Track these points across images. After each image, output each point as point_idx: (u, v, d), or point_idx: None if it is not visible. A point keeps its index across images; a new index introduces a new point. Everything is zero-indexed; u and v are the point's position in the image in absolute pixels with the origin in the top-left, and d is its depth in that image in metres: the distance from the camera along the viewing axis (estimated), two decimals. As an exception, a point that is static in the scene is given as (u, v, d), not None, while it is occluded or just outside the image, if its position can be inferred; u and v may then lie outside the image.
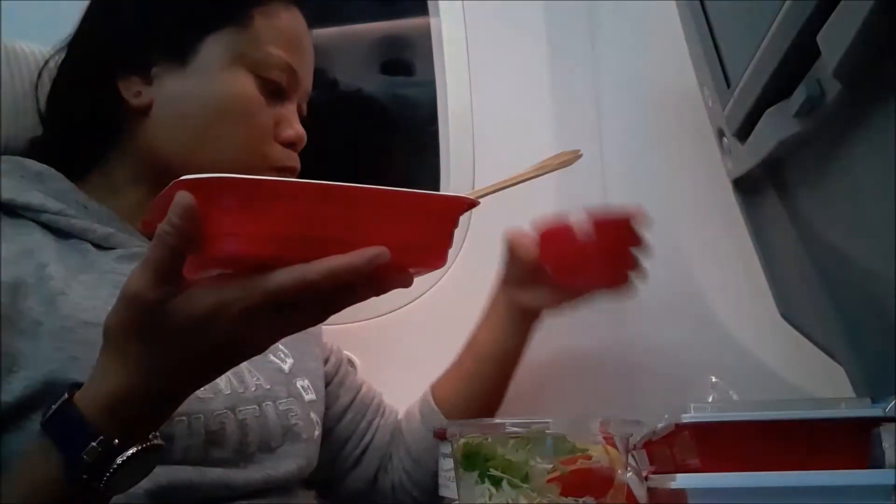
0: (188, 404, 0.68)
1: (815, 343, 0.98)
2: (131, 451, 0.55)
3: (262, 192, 0.49)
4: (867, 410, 0.65)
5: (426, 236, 0.55)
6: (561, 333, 1.16)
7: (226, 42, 0.79)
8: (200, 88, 0.79)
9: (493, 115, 1.22)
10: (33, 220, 0.74)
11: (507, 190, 1.21)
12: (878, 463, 0.65)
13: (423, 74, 1.34)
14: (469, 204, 0.57)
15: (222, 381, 0.75)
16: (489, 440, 0.62)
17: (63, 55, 0.84)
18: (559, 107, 1.22)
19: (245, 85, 0.80)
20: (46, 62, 0.84)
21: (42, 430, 0.56)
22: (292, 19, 0.84)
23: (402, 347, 1.13)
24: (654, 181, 1.21)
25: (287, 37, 0.82)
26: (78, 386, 0.57)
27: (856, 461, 0.64)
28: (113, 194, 0.79)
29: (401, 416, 0.99)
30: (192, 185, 0.48)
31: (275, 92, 0.82)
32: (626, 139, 1.23)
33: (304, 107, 0.88)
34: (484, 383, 0.92)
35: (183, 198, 0.49)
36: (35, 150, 0.82)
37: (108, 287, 0.72)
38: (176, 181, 0.49)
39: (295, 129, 0.83)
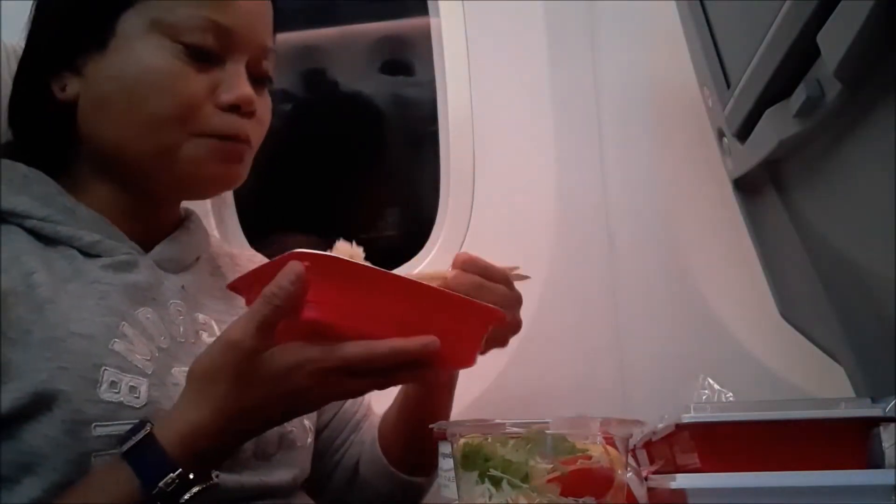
0: None
1: (815, 343, 0.98)
2: (200, 487, 0.61)
3: (354, 274, 0.58)
4: (867, 410, 0.65)
5: (465, 335, 0.63)
6: (560, 334, 1.17)
7: (140, 12, 0.75)
8: (117, 67, 0.75)
9: (493, 115, 1.23)
10: (19, 226, 0.74)
11: (508, 191, 1.22)
12: (878, 463, 0.65)
13: (423, 74, 1.34)
14: (501, 318, 0.65)
15: None
16: (489, 440, 0.62)
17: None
18: (559, 107, 1.22)
19: (161, 54, 0.74)
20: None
21: (122, 458, 0.61)
22: None
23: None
24: (654, 181, 1.21)
25: None
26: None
27: (856, 461, 0.64)
28: (82, 192, 0.78)
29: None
30: (300, 257, 0.57)
31: (205, 55, 0.75)
32: (626, 139, 1.23)
33: (267, 64, 0.80)
34: (410, 425, 0.89)
35: (296, 267, 0.57)
36: (7, 153, 0.81)
37: (93, 298, 0.71)
38: (291, 253, 0.57)
39: (237, 91, 0.76)
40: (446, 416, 0.90)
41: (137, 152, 0.76)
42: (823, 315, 0.90)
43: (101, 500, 0.61)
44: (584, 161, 1.23)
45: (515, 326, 0.82)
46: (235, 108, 0.76)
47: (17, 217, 0.74)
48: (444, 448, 0.81)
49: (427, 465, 0.89)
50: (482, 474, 0.61)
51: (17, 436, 0.66)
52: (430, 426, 0.80)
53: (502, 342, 0.82)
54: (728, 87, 0.87)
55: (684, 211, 1.19)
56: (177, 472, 0.60)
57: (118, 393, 0.67)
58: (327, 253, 0.59)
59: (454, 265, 0.78)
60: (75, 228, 0.75)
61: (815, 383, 1.05)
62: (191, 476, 0.60)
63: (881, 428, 0.66)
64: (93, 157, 0.79)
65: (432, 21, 1.28)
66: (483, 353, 0.75)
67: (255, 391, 0.60)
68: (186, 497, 0.60)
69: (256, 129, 0.79)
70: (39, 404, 0.65)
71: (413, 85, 1.43)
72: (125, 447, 0.61)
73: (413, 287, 0.61)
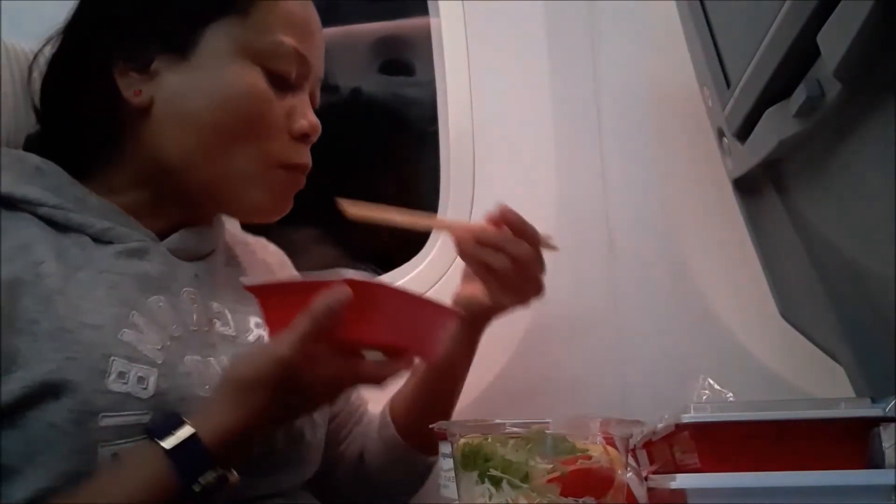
0: (190, 404, 0.69)
1: (815, 343, 0.98)
2: (231, 482, 0.65)
3: (381, 295, 0.64)
4: (867, 410, 0.65)
5: (436, 333, 0.73)
6: (560, 334, 1.17)
7: (228, 32, 0.75)
8: (204, 84, 0.75)
9: (493, 115, 1.22)
10: (32, 214, 0.73)
11: (507, 190, 1.22)
12: (878, 463, 0.65)
13: (423, 74, 1.34)
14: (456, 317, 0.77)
15: None
16: (489, 440, 0.62)
17: (56, 46, 0.79)
18: (559, 107, 1.22)
19: (252, 78, 0.75)
20: (37, 54, 0.81)
21: (165, 454, 0.63)
22: (298, 2, 0.79)
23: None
24: (654, 181, 1.21)
25: (293, 21, 0.78)
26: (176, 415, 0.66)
27: (856, 461, 0.64)
28: (113, 194, 0.77)
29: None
30: (350, 284, 0.63)
31: (284, 82, 0.78)
32: (626, 139, 1.23)
33: (318, 93, 0.83)
34: (432, 395, 0.93)
35: (344, 291, 0.62)
36: (32, 147, 0.80)
37: (103, 287, 0.71)
38: (344, 280, 0.63)
39: (308, 119, 0.79)
40: (460, 390, 0.94)
41: (214, 171, 0.76)
42: (823, 315, 0.90)
43: (137, 492, 0.63)
44: (584, 161, 1.23)
45: (539, 290, 0.88)
46: (305, 137, 0.79)
47: (30, 205, 0.73)
48: (444, 448, 0.81)
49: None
50: (482, 474, 0.61)
51: (21, 425, 0.65)
52: (431, 426, 0.80)
53: (525, 302, 0.88)
54: (728, 87, 0.87)
55: (684, 211, 1.19)
56: (217, 471, 0.64)
57: (126, 384, 0.67)
58: (366, 279, 0.65)
59: (490, 218, 0.84)
60: (87, 216, 0.74)
61: (815, 383, 1.05)
62: (227, 476, 0.64)
63: (881, 428, 0.66)
64: (142, 163, 0.77)
65: (432, 21, 1.28)
66: (504, 311, 0.89)
67: (291, 400, 0.65)
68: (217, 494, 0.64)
69: None
70: (46, 394, 0.65)
71: (413, 85, 1.43)
72: (169, 444, 0.63)
73: (408, 299, 0.68)
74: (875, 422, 0.65)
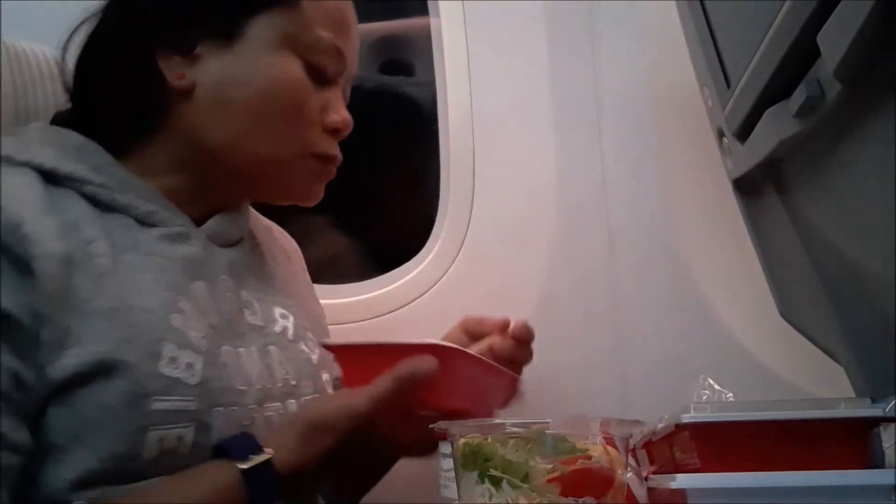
0: (227, 395, 0.71)
1: (815, 343, 0.98)
2: None
3: (459, 363, 0.69)
4: (867, 410, 0.65)
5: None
6: (560, 334, 1.17)
7: (274, 23, 0.77)
8: (247, 72, 0.76)
9: (493, 115, 1.23)
10: (76, 191, 0.72)
11: (509, 190, 1.22)
12: (878, 463, 0.65)
13: (423, 74, 1.34)
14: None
15: (255, 374, 0.75)
16: (489, 440, 0.62)
17: (95, 24, 0.79)
18: (559, 107, 1.22)
19: (294, 69, 0.77)
20: (72, 33, 0.80)
21: (239, 474, 0.67)
22: (341, 1, 0.82)
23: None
24: (654, 181, 1.21)
25: (334, 18, 0.80)
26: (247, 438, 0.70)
27: (856, 461, 0.64)
28: (150, 177, 0.77)
29: None
30: (433, 350, 0.68)
31: (321, 76, 0.80)
32: (626, 139, 1.23)
33: (349, 90, 0.85)
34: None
35: (430, 361, 0.67)
36: (61, 126, 0.79)
37: (152, 271, 0.71)
38: (429, 344, 0.68)
39: (341, 114, 0.81)
40: None
41: (252, 156, 0.78)
42: (823, 315, 0.90)
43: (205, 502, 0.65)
44: (584, 161, 1.23)
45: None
46: (337, 132, 0.81)
47: (76, 182, 0.73)
48: (444, 448, 0.81)
49: None
50: (482, 474, 0.61)
51: (70, 404, 0.65)
52: (431, 426, 0.80)
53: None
54: (728, 87, 0.87)
55: (684, 211, 1.19)
56: (282, 501, 0.67)
57: (177, 369, 0.68)
58: (448, 345, 0.69)
59: (513, 334, 0.91)
60: (132, 197, 0.74)
61: (815, 383, 1.05)
62: None
63: (881, 428, 0.66)
64: (182, 147, 0.78)
65: (432, 21, 1.28)
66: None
67: (355, 451, 0.69)
68: None
69: None
70: (98, 373, 0.65)
71: (413, 85, 1.43)
72: (247, 465, 0.66)
73: (487, 367, 0.74)
74: (875, 422, 0.65)
